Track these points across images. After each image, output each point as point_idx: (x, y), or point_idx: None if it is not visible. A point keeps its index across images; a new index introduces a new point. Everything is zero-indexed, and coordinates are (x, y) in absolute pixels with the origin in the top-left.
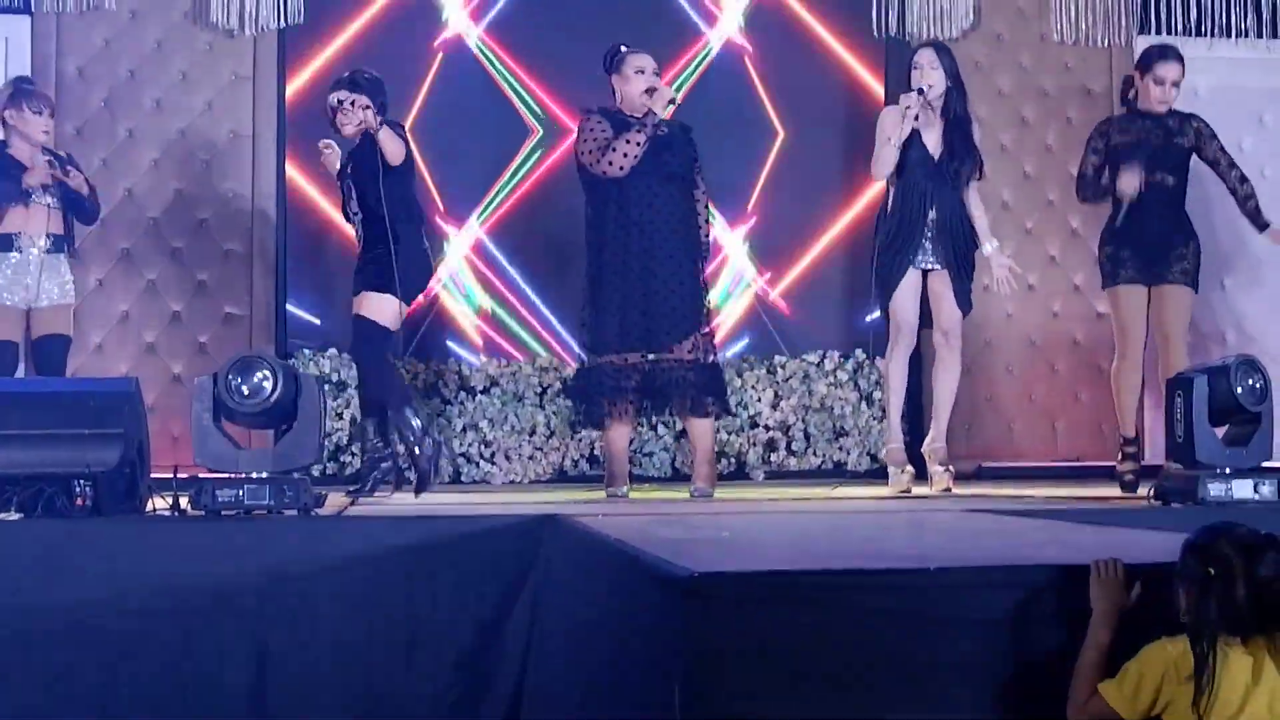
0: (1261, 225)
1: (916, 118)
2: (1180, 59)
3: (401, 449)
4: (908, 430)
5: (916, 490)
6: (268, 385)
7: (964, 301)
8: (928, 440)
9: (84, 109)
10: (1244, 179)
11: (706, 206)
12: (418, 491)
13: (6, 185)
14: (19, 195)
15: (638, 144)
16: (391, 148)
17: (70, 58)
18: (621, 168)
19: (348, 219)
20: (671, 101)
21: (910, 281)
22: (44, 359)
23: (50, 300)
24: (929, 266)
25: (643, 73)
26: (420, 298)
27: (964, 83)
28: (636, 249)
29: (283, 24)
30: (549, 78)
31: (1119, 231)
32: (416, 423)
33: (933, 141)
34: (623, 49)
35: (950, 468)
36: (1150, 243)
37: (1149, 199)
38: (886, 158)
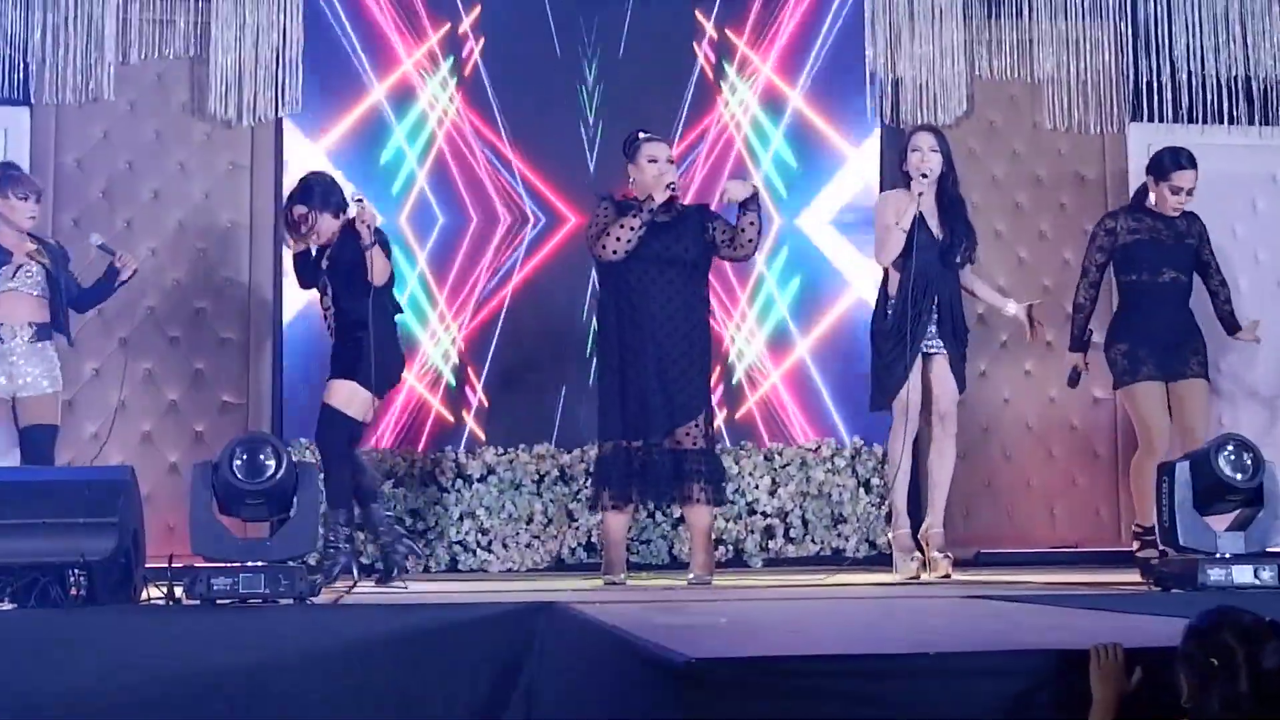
0: (1233, 328)
1: (920, 197)
2: (1195, 164)
3: (371, 543)
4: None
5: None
6: (271, 465)
7: (961, 383)
8: (925, 525)
9: (82, 199)
10: (1224, 283)
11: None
12: (381, 582)
13: None
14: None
15: (632, 229)
16: (380, 266)
17: (69, 149)
18: (615, 251)
19: (323, 305)
20: (670, 186)
21: (914, 368)
22: (30, 448)
23: (36, 390)
24: (931, 350)
25: (655, 161)
26: (389, 389)
27: (956, 167)
28: (640, 335)
29: (280, 114)
30: (547, 166)
31: (1134, 328)
32: (386, 515)
33: (933, 224)
34: (640, 136)
35: (949, 554)
36: (1166, 339)
37: (1162, 296)
38: (895, 241)
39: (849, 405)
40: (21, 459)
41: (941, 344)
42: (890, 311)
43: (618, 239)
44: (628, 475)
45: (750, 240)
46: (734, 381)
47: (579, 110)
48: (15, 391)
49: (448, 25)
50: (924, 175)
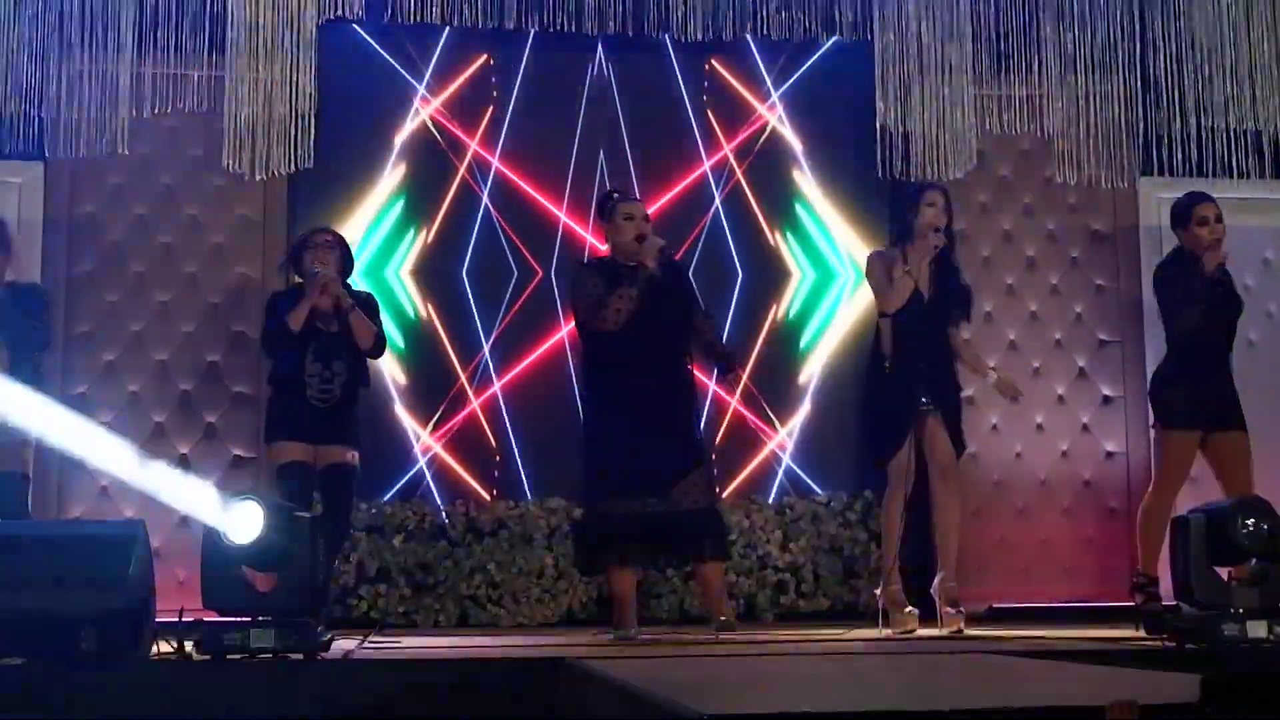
0: None
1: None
2: (1211, 198)
3: None
4: (914, 571)
5: (925, 630)
6: (254, 526)
7: (958, 442)
8: (938, 580)
9: (96, 252)
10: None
11: (712, 326)
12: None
13: None
14: None
15: (630, 298)
16: (365, 330)
17: (83, 202)
18: (615, 324)
19: (317, 372)
20: (661, 250)
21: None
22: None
23: (6, 439)
24: (923, 408)
25: (631, 219)
26: None
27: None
28: (627, 396)
29: (292, 169)
30: (556, 221)
31: (1179, 377)
32: None
33: (923, 284)
34: (614, 196)
35: (961, 609)
36: (1209, 390)
37: (1209, 347)
38: (902, 289)
39: (862, 458)
40: None
41: (933, 403)
42: (887, 366)
43: (617, 311)
44: (627, 540)
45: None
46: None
47: (596, 167)
48: None
49: (462, 77)
50: (937, 230)
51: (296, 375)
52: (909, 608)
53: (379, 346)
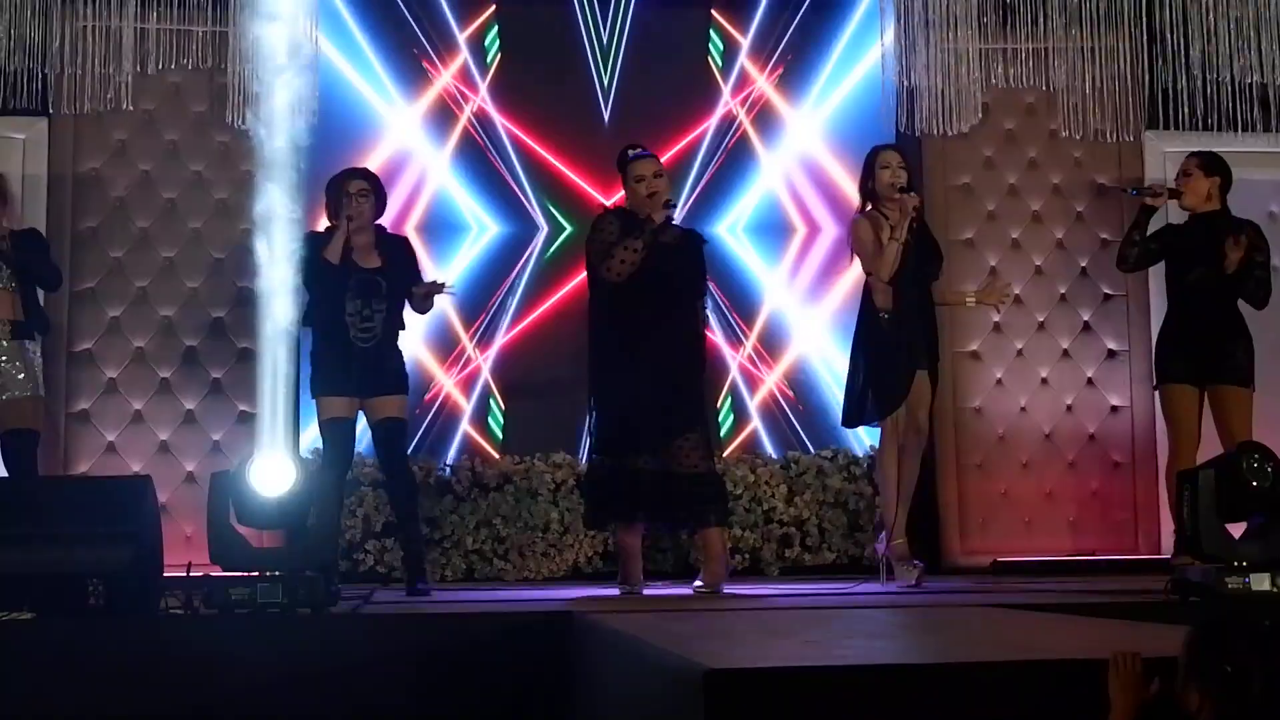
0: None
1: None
2: (1201, 163)
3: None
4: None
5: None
6: (286, 481)
7: (934, 392)
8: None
9: (100, 208)
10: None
11: (707, 318)
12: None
13: None
14: None
15: (635, 250)
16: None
17: (87, 158)
18: (619, 274)
19: (357, 312)
20: (669, 204)
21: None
22: (10, 456)
23: (12, 394)
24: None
25: (642, 179)
26: None
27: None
28: (634, 352)
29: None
30: (563, 176)
31: (1174, 331)
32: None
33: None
34: (629, 154)
35: (916, 563)
36: (1206, 344)
37: (1208, 300)
38: (892, 253)
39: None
40: (4, 465)
41: (921, 362)
42: (884, 318)
43: (622, 261)
44: (632, 497)
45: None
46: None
47: (597, 116)
48: None
49: (467, 29)
50: (901, 190)
51: (338, 315)
52: (913, 561)
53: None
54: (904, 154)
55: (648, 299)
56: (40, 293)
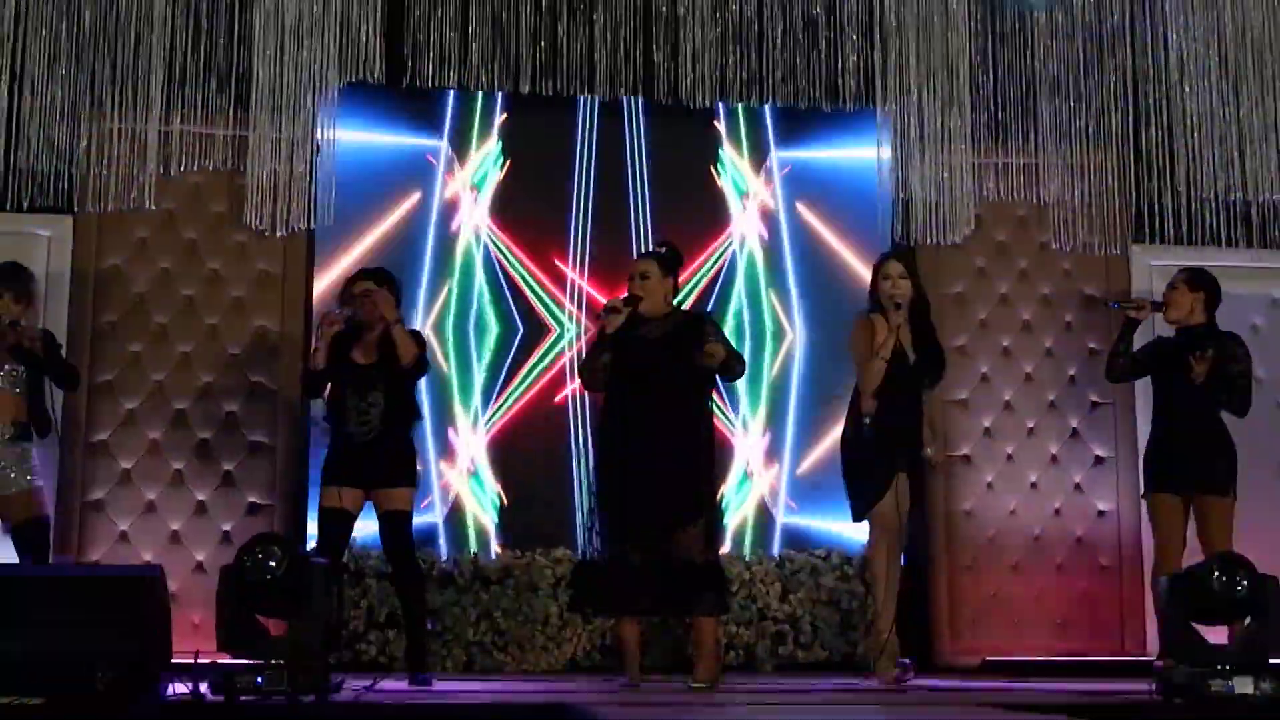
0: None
1: (899, 328)
2: (1186, 279)
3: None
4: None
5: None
6: (274, 563)
7: (917, 497)
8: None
9: (121, 303)
10: None
11: (713, 407)
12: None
13: None
14: None
15: (602, 362)
16: (408, 346)
17: (109, 255)
18: (591, 387)
19: (358, 403)
20: (611, 309)
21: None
22: (24, 546)
23: (19, 487)
24: (900, 467)
25: (631, 279)
26: None
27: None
28: (635, 445)
29: (312, 225)
30: (566, 277)
31: (1161, 441)
32: None
33: (908, 348)
34: (643, 253)
35: (906, 660)
36: (1190, 453)
37: (1191, 409)
38: (876, 372)
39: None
40: (19, 555)
41: (904, 465)
42: (866, 423)
43: (592, 373)
44: (624, 588)
45: (728, 371)
46: (736, 490)
47: (603, 226)
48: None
49: (474, 138)
50: (897, 305)
51: (340, 411)
52: (903, 659)
53: (419, 365)
54: (907, 263)
55: (636, 396)
56: (49, 393)
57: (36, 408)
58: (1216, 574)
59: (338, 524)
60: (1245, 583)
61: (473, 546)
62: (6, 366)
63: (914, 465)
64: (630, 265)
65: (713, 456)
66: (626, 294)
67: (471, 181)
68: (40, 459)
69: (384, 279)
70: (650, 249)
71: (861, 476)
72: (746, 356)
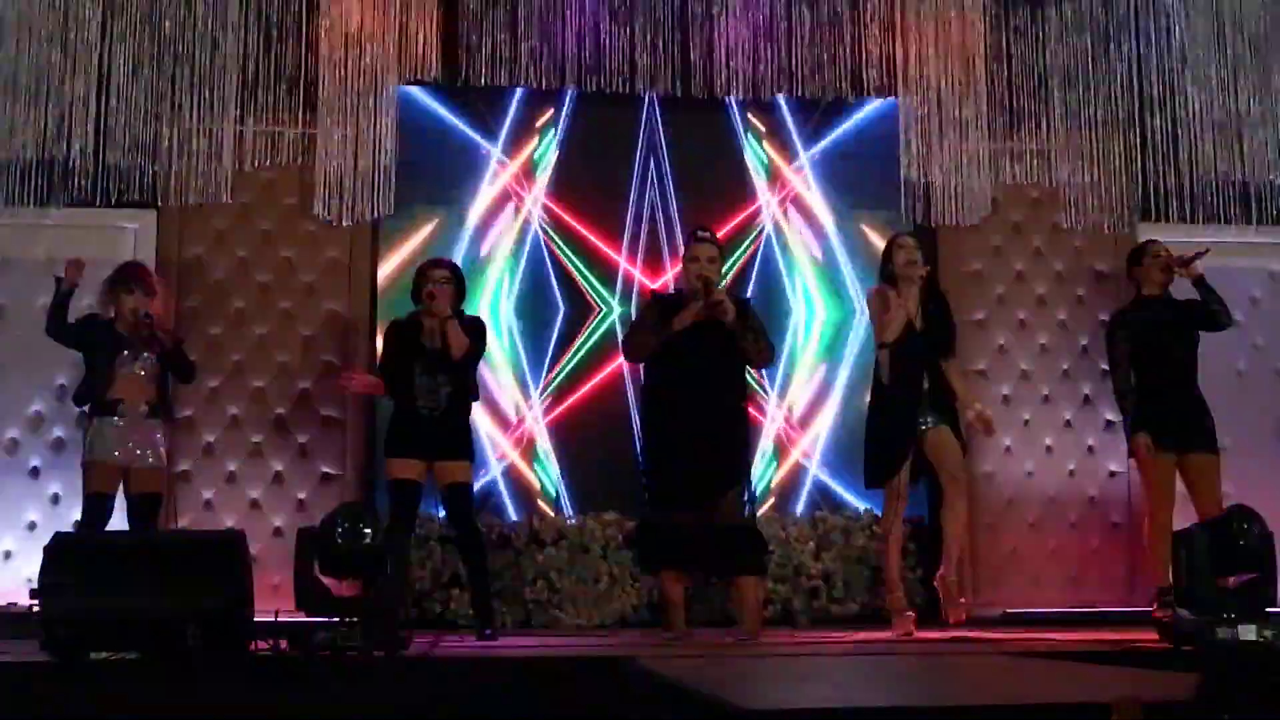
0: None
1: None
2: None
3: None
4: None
5: (922, 630)
6: (368, 533)
7: (963, 447)
8: (941, 573)
9: (201, 290)
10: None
11: (751, 388)
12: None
13: (109, 355)
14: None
15: (655, 338)
16: (459, 341)
17: (190, 245)
18: (634, 358)
19: (425, 383)
20: (708, 294)
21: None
22: (139, 514)
23: (146, 463)
24: (925, 426)
25: (696, 260)
26: None
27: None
28: (676, 417)
29: (376, 216)
30: (619, 259)
31: (1146, 406)
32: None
33: (918, 317)
34: (696, 234)
35: (964, 599)
36: (1179, 415)
37: (1174, 374)
38: (897, 322)
39: None
40: (131, 522)
41: (934, 420)
42: (887, 385)
43: (639, 346)
44: (676, 548)
45: (753, 356)
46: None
47: (649, 213)
48: (131, 462)
49: (528, 132)
50: (921, 275)
51: (408, 389)
52: (909, 612)
53: (472, 353)
54: (917, 239)
55: (680, 371)
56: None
57: (163, 393)
58: (1240, 525)
59: (409, 494)
60: (1262, 534)
61: (529, 511)
62: (144, 355)
63: (952, 421)
64: (690, 249)
65: (748, 427)
66: (703, 278)
67: (525, 170)
68: None
69: (449, 273)
70: (699, 234)
71: (880, 447)
72: (780, 335)
